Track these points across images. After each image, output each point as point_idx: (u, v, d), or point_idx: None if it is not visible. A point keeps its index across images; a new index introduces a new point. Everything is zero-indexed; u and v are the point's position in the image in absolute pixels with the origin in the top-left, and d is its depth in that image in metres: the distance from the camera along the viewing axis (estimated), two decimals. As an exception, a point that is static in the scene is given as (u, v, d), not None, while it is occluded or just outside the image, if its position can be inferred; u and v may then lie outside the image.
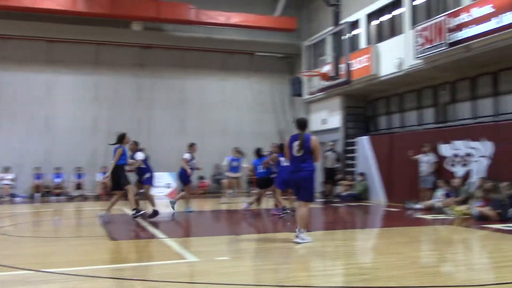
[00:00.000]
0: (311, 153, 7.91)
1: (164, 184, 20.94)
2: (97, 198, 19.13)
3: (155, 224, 11.05)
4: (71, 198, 18.98)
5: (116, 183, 11.19)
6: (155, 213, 11.66)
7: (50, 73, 20.44)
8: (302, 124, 8.17)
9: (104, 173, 19.78)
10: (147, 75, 21.64)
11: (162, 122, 21.63)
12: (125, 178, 11.23)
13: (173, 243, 8.17)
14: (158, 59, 21.86)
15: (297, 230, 7.92)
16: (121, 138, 11.32)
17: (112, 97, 21.15)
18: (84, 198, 19.08)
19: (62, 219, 13.42)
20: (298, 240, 7.86)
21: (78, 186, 19.58)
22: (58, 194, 19.25)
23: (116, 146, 11.31)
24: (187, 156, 13.12)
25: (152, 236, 9.48)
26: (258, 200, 12.96)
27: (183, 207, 13.24)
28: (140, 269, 6.28)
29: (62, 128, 20.34)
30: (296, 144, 7.90)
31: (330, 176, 17.22)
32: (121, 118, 21.12)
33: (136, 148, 12.25)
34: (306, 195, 8.02)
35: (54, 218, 13.44)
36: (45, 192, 19.40)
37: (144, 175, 12.12)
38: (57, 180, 19.40)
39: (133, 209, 11.06)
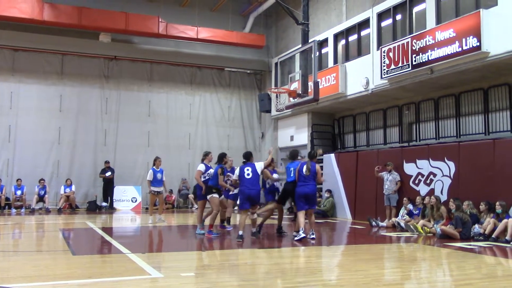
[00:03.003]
0: (315, 175, 10.75)
1: (129, 198, 20.68)
2: (60, 211, 18.67)
3: (119, 239, 10.85)
4: (32, 211, 18.46)
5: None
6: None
7: (13, 83, 19.99)
8: (311, 155, 11.10)
9: (70, 186, 19.44)
10: (114, 87, 21.40)
11: (128, 135, 21.37)
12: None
13: (136, 259, 8.02)
14: (125, 72, 21.66)
15: (311, 231, 10.78)
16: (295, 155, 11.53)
17: (77, 108, 20.81)
18: (47, 211, 18.58)
19: (22, 232, 13.03)
20: (313, 236, 10.70)
21: (40, 199, 19.06)
22: (19, 207, 18.70)
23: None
24: (201, 167, 11.77)
25: (115, 251, 9.30)
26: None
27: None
28: (102, 285, 6.13)
29: (25, 139, 19.86)
30: (304, 167, 10.66)
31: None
32: (86, 130, 20.83)
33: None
34: (315, 204, 11.23)
35: (13, 232, 13.04)
36: (5, 205, 18.83)
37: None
38: (18, 193, 18.85)
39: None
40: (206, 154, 12.08)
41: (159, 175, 14.42)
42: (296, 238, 10.53)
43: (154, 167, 14.53)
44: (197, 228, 11.83)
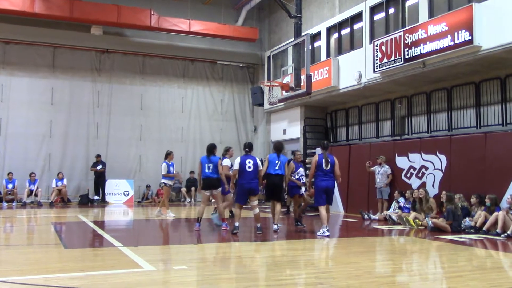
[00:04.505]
0: (334, 168, 10.56)
1: (122, 191, 20.63)
2: (52, 205, 18.60)
3: (111, 232, 10.83)
4: (24, 205, 18.37)
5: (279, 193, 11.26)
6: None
7: (4, 75, 19.82)
8: (326, 146, 10.84)
9: (62, 179, 19.36)
10: (106, 80, 21.27)
11: (120, 129, 21.29)
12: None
13: (129, 252, 8.02)
14: (118, 65, 21.53)
15: (324, 226, 10.33)
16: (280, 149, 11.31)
17: (69, 101, 20.67)
18: (38, 204, 18.50)
19: (14, 226, 12.98)
20: (325, 234, 10.24)
21: (32, 192, 18.96)
22: (10, 200, 18.61)
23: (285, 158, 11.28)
24: (227, 162, 11.88)
25: (107, 244, 9.29)
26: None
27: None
28: (94, 278, 6.13)
29: (16, 132, 19.72)
30: (324, 161, 10.45)
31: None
32: (78, 123, 20.73)
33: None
34: (331, 199, 10.78)
35: (5, 225, 12.98)
36: (-4, 198, 18.74)
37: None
38: (10, 186, 18.74)
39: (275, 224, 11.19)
40: (227, 150, 12.10)
41: (171, 169, 14.53)
42: (319, 234, 10.34)
43: (166, 160, 14.50)
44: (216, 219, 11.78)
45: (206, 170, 10.93)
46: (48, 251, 8.44)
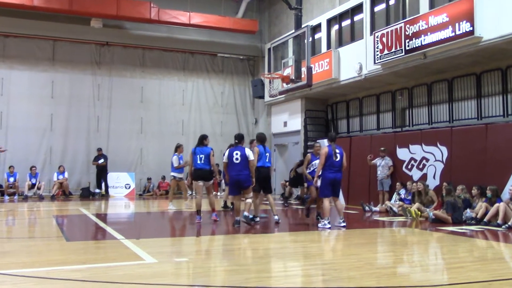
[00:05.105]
0: (342, 159, 10.45)
1: (123, 184, 20.66)
2: (53, 198, 18.63)
3: (113, 225, 10.86)
4: (25, 198, 18.41)
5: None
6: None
7: (4, 69, 19.80)
8: (334, 137, 10.69)
9: (63, 173, 19.38)
10: (106, 73, 21.24)
11: (121, 122, 21.30)
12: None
13: (130, 244, 8.03)
14: (118, 58, 21.50)
15: (326, 218, 10.31)
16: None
17: (69, 95, 20.67)
18: (40, 198, 18.53)
19: (16, 219, 13.00)
20: (327, 226, 10.19)
21: (33, 186, 19.00)
22: (12, 194, 18.64)
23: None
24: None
25: (109, 237, 9.31)
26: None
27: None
28: (96, 271, 6.14)
29: (17, 126, 19.74)
30: (333, 152, 10.30)
31: (298, 178, 15.92)
32: (79, 116, 20.73)
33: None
34: (338, 191, 10.68)
35: (7, 218, 13.00)
36: (-3, 192, 18.78)
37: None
38: (11, 179, 18.77)
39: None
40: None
41: (181, 162, 14.61)
42: (320, 226, 10.31)
43: (176, 153, 14.56)
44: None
45: (198, 161, 10.89)
46: (50, 244, 8.46)
